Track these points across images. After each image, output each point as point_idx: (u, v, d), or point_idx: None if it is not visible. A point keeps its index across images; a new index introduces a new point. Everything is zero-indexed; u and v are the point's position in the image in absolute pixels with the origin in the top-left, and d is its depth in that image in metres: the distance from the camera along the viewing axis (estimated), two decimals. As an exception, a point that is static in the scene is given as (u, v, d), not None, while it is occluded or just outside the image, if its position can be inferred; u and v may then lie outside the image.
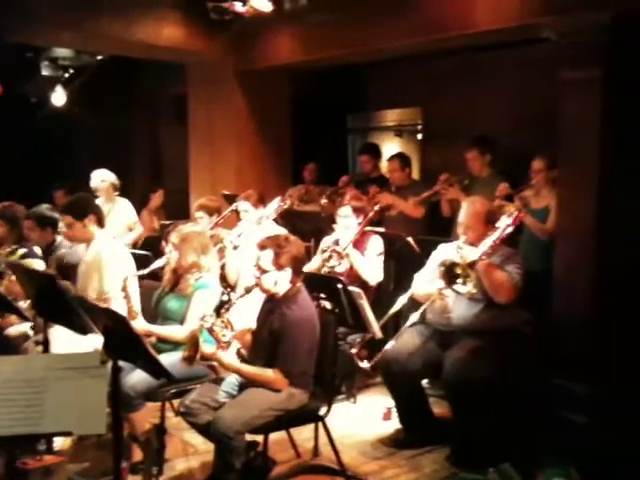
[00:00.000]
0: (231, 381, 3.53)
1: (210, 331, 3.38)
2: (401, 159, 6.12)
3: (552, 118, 4.50)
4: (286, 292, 3.53)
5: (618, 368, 4.01)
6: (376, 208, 5.11)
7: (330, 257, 4.81)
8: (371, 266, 4.85)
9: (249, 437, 3.68)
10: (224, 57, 6.59)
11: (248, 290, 3.60)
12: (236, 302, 3.63)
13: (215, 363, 3.50)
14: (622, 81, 4.14)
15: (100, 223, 4.25)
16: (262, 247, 3.54)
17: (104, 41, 6.03)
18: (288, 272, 3.49)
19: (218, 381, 3.58)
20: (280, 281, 3.50)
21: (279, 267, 3.47)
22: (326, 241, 5.08)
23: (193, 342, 3.34)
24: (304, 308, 3.52)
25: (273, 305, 3.56)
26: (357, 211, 4.92)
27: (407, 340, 4.09)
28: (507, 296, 3.85)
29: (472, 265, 3.69)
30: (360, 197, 5.13)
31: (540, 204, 4.89)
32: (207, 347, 3.36)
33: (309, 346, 3.47)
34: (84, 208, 4.20)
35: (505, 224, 3.96)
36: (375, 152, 6.77)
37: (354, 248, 4.84)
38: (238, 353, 3.67)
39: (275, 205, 5.26)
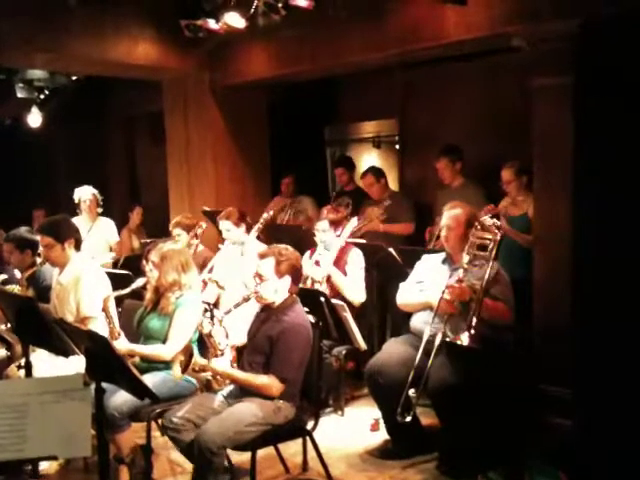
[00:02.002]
0: (228, 387, 3.56)
1: (208, 337, 3.43)
2: (373, 172, 6.15)
3: (528, 125, 4.56)
4: (283, 302, 3.60)
5: (600, 371, 4.04)
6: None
7: (312, 284, 4.84)
8: (354, 287, 4.86)
9: (237, 458, 3.69)
10: (199, 73, 6.61)
11: (246, 299, 3.62)
12: (229, 312, 3.64)
13: (209, 374, 3.50)
14: (593, 86, 4.19)
15: (77, 247, 4.22)
16: (263, 256, 3.62)
17: (77, 61, 6.02)
18: (287, 280, 3.57)
19: (208, 395, 3.58)
20: (279, 290, 3.57)
21: (280, 275, 3.55)
22: (305, 263, 5.09)
23: (187, 350, 3.37)
24: (300, 317, 3.59)
25: (269, 314, 3.61)
26: (334, 224, 4.96)
27: (393, 350, 4.11)
28: (507, 320, 3.89)
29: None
30: (337, 210, 5.14)
31: (518, 211, 4.96)
32: (200, 359, 3.39)
33: (302, 356, 3.50)
34: (65, 231, 4.17)
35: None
36: (349, 165, 6.80)
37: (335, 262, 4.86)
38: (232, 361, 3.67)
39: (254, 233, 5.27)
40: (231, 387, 3.61)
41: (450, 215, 4.12)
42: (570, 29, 4.12)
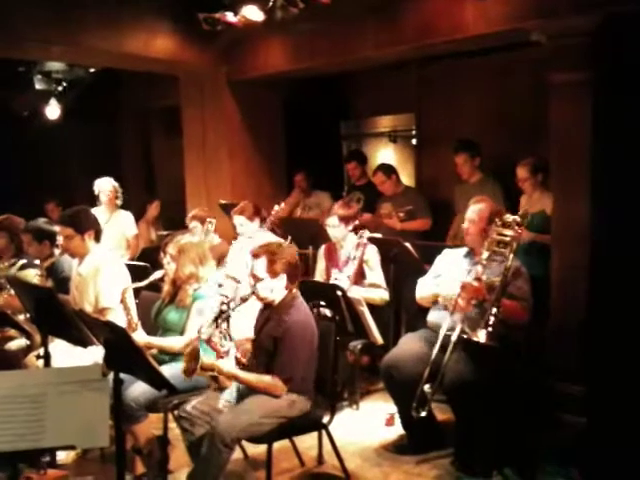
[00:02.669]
0: (231, 390, 3.54)
1: (208, 342, 3.38)
2: (383, 170, 6.16)
3: (544, 121, 4.54)
4: (282, 299, 3.54)
5: (616, 369, 4.02)
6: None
7: None
8: (377, 291, 4.82)
9: (252, 450, 3.70)
10: (216, 67, 6.62)
11: (244, 299, 3.60)
12: (233, 312, 3.63)
13: (215, 373, 3.50)
14: (612, 83, 4.17)
15: (97, 238, 4.25)
16: (256, 255, 3.54)
17: (95, 54, 6.03)
18: (283, 279, 3.50)
19: (220, 391, 3.58)
20: (276, 288, 3.51)
21: (274, 274, 3.48)
22: (320, 259, 5.11)
23: (193, 354, 3.34)
24: (302, 313, 3.53)
25: (270, 313, 3.57)
26: (345, 219, 4.94)
27: (408, 345, 4.10)
28: (522, 320, 3.87)
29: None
30: (349, 205, 5.13)
31: (534, 208, 4.92)
32: (206, 357, 3.36)
33: (309, 351, 3.48)
34: (85, 222, 4.20)
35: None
36: (361, 158, 6.79)
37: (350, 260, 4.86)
38: (237, 362, 3.66)
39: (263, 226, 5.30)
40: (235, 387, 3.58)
41: (474, 209, 4.12)
42: (590, 24, 4.10)
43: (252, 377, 3.44)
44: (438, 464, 3.96)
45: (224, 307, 3.68)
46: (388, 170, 6.15)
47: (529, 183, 4.96)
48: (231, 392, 3.55)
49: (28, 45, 5.56)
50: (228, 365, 3.43)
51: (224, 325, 3.54)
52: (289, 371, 3.40)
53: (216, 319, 3.51)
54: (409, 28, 5.10)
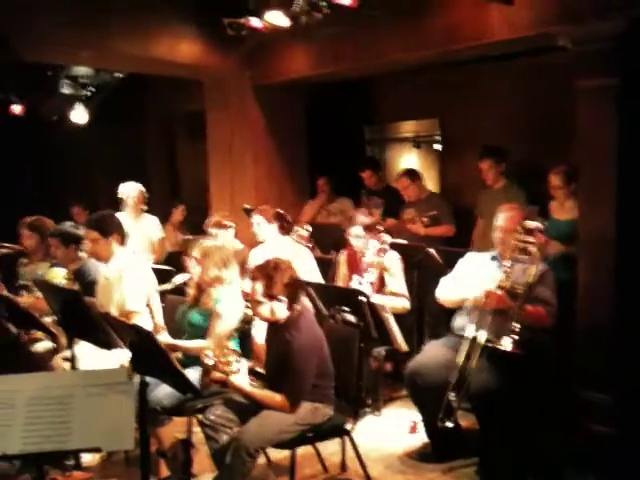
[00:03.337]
0: None
1: (215, 368, 3.35)
2: (408, 175, 6.15)
3: (570, 127, 4.49)
4: (287, 317, 3.48)
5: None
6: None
7: None
8: (398, 299, 4.79)
9: (275, 456, 3.68)
10: (240, 72, 6.64)
11: (247, 321, 3.60)
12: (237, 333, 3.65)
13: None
14: (638, 87, 4.12)
15: (122, 242, 4.29)
16: (253, 278, 3.48)
17: (121, 59, 6.08)
18: (283, 300, 3.44)
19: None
20: (276, 310, 3.45)
21: (271, 298, 3.42)
22: (342, 264, 5.09)
23: (204, 369, 3.35)
24: (305, 334, 3.45)
25: (276, 331, 3.53)
26: (368, 229, 4.91)
27: (433, 352, 4.08)
28: (546, 325, 3.85)
29: None
30: (370, 213, 5.10)
31: (566, 215, 4.87)
32: (217, 374, 3.36)
33: (317, 368, 3.44)
34: (111, 226, 4.24)
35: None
36: (375, 166, 6.80)
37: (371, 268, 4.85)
38: (252, 370, 3.65)
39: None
40: None
41: (503, 217, 4.11)
42: (615, 29, 4.05)
43: (261, 395, 3.42)
44: (463, 473, 3.92)
45: (248, 310, 3.70)
46: (413, 175, 6.14)
47: (562, 192, 4.92)
48: None
49: (56, 50, 5.63)
50: (239, 381, 3.40)
51: (231, 344, 3.57)
52: (295, 393, 3.37)
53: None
54: (435, 33, 5.07)
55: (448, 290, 4.19)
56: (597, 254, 4.26)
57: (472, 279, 4.07)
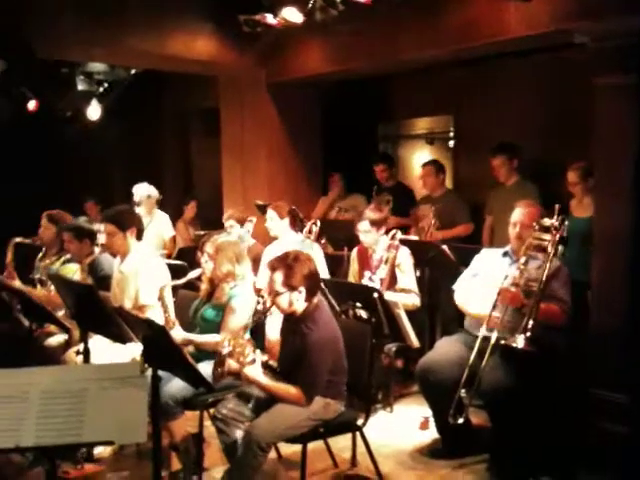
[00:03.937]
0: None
1: (230, 355, 3.35)
2: (436, 166, 6.13)
3: (585, 124, 4.46)
4: (304, 310, 3.48)
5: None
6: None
7: None
8: (408, 296, 4.77)
9: (286, 450, 3.68)
10: (255, 69, 6.64)
11: (264, 312, 3.60)
12: (252, 323, 3.68)
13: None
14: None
15: (139, 237, 4.31)
16: (272, 269, 3.47)
17: (137, 56, 6.11)
18: (302, 292, 3.43)
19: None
20: (295, 301, 3.44)
21: (291, 288, 3.41)
22: (354, 261, 5.09)
23: (219, 360, 3.34)
24: (322, 327, 3.44)
25: (293, 323, 3.53)
26: (376, 224, 4.89)
27: (445, 349, 4.07)
28: (560, 323, 3.83)
29: None
30: (379, 208, 5.09)
31: (583, 213, 4.85)
32: (232, 364, 3.37)
33: (333, 363, 3.44)
34: (129, 220, 4.27)
35: None
36: (389, 160, 6.78)
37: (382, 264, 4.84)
38: (266, 364, 3.65)
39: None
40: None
41: (521, 212, 4.09)
42: (636, 26, 4.01)
43: (276, 387, 3.41)
44: (474, 469, 3.92)
45: (260, 306, 3.70)
46: (440, 168, 6.12)
47: (579, 188, 4.90)
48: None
49: (71, 46, 5.66)
50: (254, 372, 3.41)
51: (247, 335, 3.56)
52: (310, 386, 3.36)
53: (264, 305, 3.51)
54: (451, 30, 5.05)
55: (466, 299, 4.14)
56: (612, 252, 4.23)
57: (486, 276, 4.05)
